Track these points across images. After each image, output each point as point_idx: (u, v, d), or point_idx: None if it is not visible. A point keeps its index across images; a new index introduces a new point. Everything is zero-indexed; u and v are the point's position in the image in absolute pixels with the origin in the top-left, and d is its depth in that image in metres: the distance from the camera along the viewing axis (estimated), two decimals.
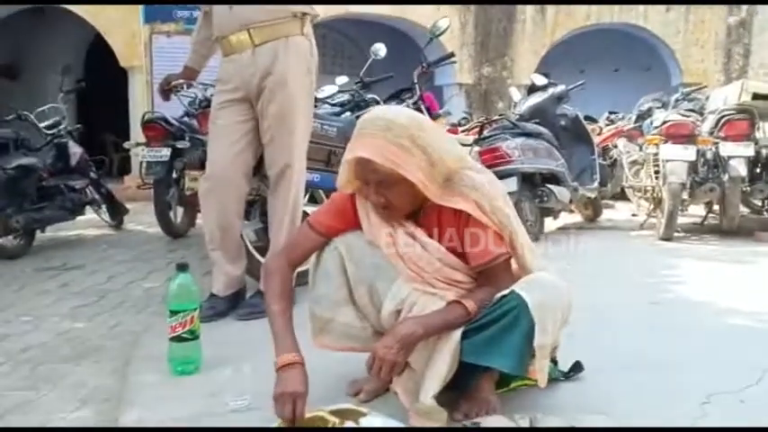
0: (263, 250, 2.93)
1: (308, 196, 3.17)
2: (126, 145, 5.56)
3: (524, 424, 1.54)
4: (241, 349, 2.11)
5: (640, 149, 5.49)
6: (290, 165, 2.51)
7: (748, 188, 4.60)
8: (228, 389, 1.76)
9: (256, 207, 3.05)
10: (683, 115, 4.83)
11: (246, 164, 2.55)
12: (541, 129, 4.62)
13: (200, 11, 2.74)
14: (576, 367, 1.84)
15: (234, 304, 2.58)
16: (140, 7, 7.75)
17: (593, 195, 5.03)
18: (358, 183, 1.59)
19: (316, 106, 4.02)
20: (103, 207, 5.13)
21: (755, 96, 4.54)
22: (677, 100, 5.69)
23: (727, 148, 4.44)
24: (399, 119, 1.51)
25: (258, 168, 2.91)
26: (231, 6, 2.44)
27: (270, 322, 1.59)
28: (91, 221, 5.26)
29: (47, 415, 1.76)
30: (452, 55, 4.50)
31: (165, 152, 4.34)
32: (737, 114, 4.51)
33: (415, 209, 1.60)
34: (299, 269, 1.76)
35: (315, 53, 2.56)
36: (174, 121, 4.54)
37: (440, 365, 1.50)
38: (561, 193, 4.42)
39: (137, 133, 6.25)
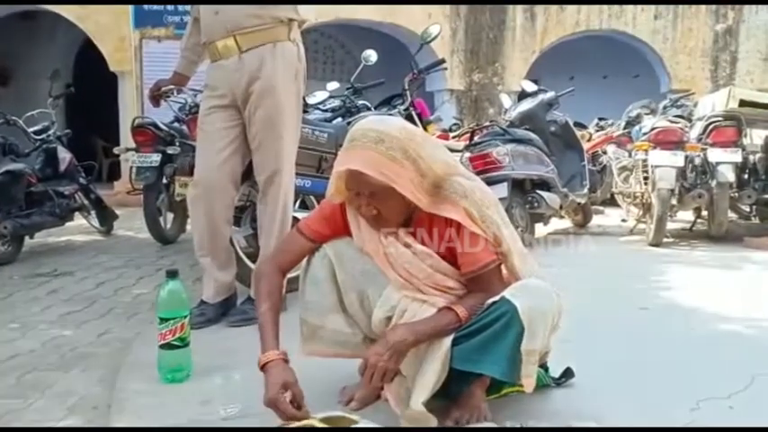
0: (253, 256, 2.93)
1: (298, 202, 3.17)
2: (116, 150, 5.53)
3: None
4: (232, 356, 2.10)
5: (629, 155, 5.53)
6: (278, 170, 2.50)
7: (736, 194, 4.64)
8: (219, 396, 1.75)
9: (247, 213, 3.05)
10: (671, 122, 4.87)
11: (234, 170, 2.54)
12: (532, 135, 4.64)
13: (190, 16, 2.74)
14: (567, 373, 1.85)
15: (224, 311, 2.56)
16: (130, 12, 7.73)
17: (582, 201, 5.05)
18: (348, 193, 1.58)
19: (307, 112, 4.04)
20: (93, 213, 5.09)
21: (742, 103, 4.59)
22: (666, 106, 5.74)
23: (715, 155, 4.48)
24: (391, 130, 1.50)
25: (248, 174, 2.91)
26: (217, 12, 2.43)
27: (258, 325, 1.60)
28: (80, 227, 5.22)
29: (34, 424, 1.75)
30: (443, 61, 4.52)
31: (155, 158, 4.32)
32: (725, 121, 4.56)
33: (405, 217, 1.60)
34: (290, 275, 1.76)
35: (303, 58, 2.55)
36: (164, 127, 4.53)
37: (429, 372, 1.50)
38: (551, 198, 4.44)
39: (126, 138, 6.22)
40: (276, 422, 1.48)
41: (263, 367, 1.52)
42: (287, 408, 1.45)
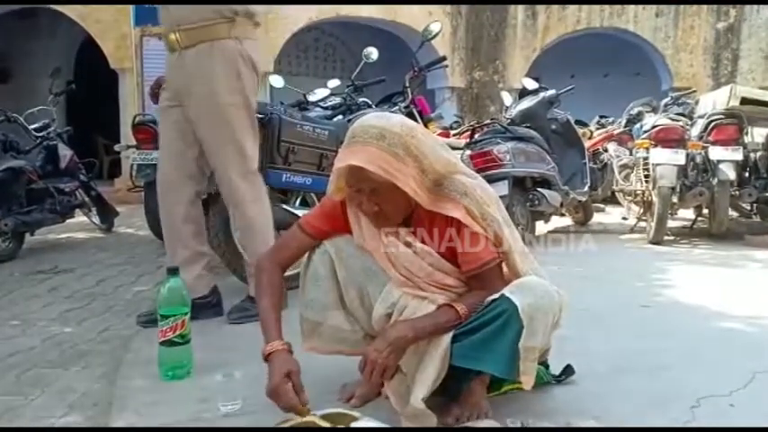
0: None
1: (299, 199, 3.17)
2: (116, 147, 5.52)
3: None
4: (232, 353, 2.10)
5: (630, 153, 5.52)
6: (230, 177, 2.37)
7: (737, 192, 4.64)
8: (220, 393, 1.75)
9: None
10: (672, 119, 4.87)
11: (189, 164, 2.44)
12: (532, 133, 4.64)
13: None
14: (567, 371, 1.84)
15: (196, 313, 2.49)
16: (131, 10, 7.72)
17: (583, 199, 5.05)
18: (348, 190, 1.58)
19: (307, 109, 4.04)
20: (93, 210, 5.10)
21: (744, 101, 4.58)
22: (667, 104, 5.73)
23: (716, 153, 4.48)
24: (392, 127, 1.49)
25: None
26: (168, 7, 2.38)
27: (260, 318, 1.60)
28: (81, 224, 5.22)
29: (34, 421, 1.74)
30: (444, 59, 4.52)
31: (156, 155, 4.30)
32: (726, 119, 4.55)
33: (406, 215, 1.60)
34: (289, 273, 1.76)
35: (249, 56, 2.37)
36: None
37: (429, 369, 1.50)
38: (552, 196, 4.44)
39: (127, 136, 6.21)
40: (276, 419, 1.48)
41: (267, 357, 1.52)
42: (289, 397, 1.45)
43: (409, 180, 1.47)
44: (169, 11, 2.37)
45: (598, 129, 7.20)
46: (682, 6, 9.80)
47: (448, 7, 9.26)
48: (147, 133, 4.44)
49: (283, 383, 1.46)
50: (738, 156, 4.46)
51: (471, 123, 5.96)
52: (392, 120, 1.54)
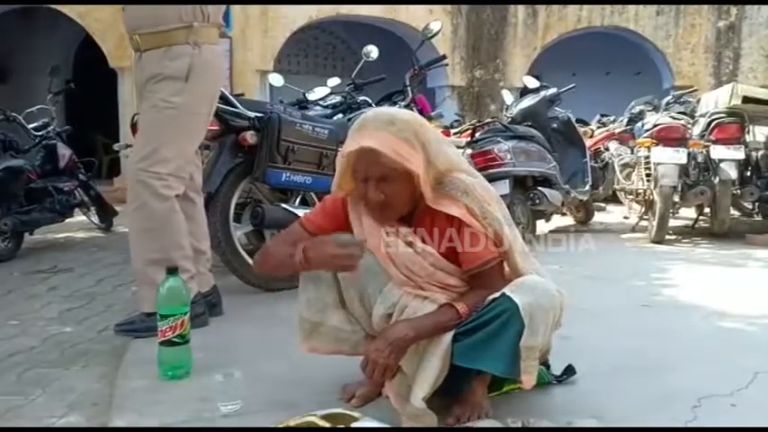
0: (253, 254, 2.93)
1: (299, 199, 3.16)
2: (115, 146, 5.53)
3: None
4: (232, 354, 2.09)
5: (632, 152, 5.52)
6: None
7: (739, 191, 4.63)
8: (219, 393, 1.75)
9: (247, 210, 3.05)
10: (674, 118, 4.86)
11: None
12: (533, 131, 4.63)
13: None
14: (568, 371, 1.84)
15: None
16: None
17: (584, 198, 5.04)
18: (354, 182, 1.57)
19: (307, 108, 4.04)
20: (93, 209, 5.09)
21: (746, 100, 4.57)
22: (668, 103, 5.72)
23: (717, 152, 4.48)
24: (402, 115, 1.54)
25: (248, 171, 2.90)
26: (124, 8, 2.35)
27: (278, 260, 1.64)
28: (80, 224, 5.22)
29: (35, 421, 1.74)
30: (444, 57, 4.51)
31: None
32: (728, 118, 4.55)
33: (408, 211, 1.59)
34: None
35: (209, 61, 2.32)
36: None
37: (429, 369, 1.49)
38: (553, 195, 4.43)
39: (126, 135, 6.21)
40: (276, 419, 1.48)
41: (305, 255, 1.52)
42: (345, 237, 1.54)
43: (420, 165, 1.48)
44: (128, 15, 2.34)
45: (599, 127, 7.19)
46: (682, 5, 9.79)
47: (448, 6, 9.24)
48: None
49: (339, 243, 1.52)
50: (740, 154, 4.46)
51: (472, 122, 5.96)
52: (401, 111, 1.59)
